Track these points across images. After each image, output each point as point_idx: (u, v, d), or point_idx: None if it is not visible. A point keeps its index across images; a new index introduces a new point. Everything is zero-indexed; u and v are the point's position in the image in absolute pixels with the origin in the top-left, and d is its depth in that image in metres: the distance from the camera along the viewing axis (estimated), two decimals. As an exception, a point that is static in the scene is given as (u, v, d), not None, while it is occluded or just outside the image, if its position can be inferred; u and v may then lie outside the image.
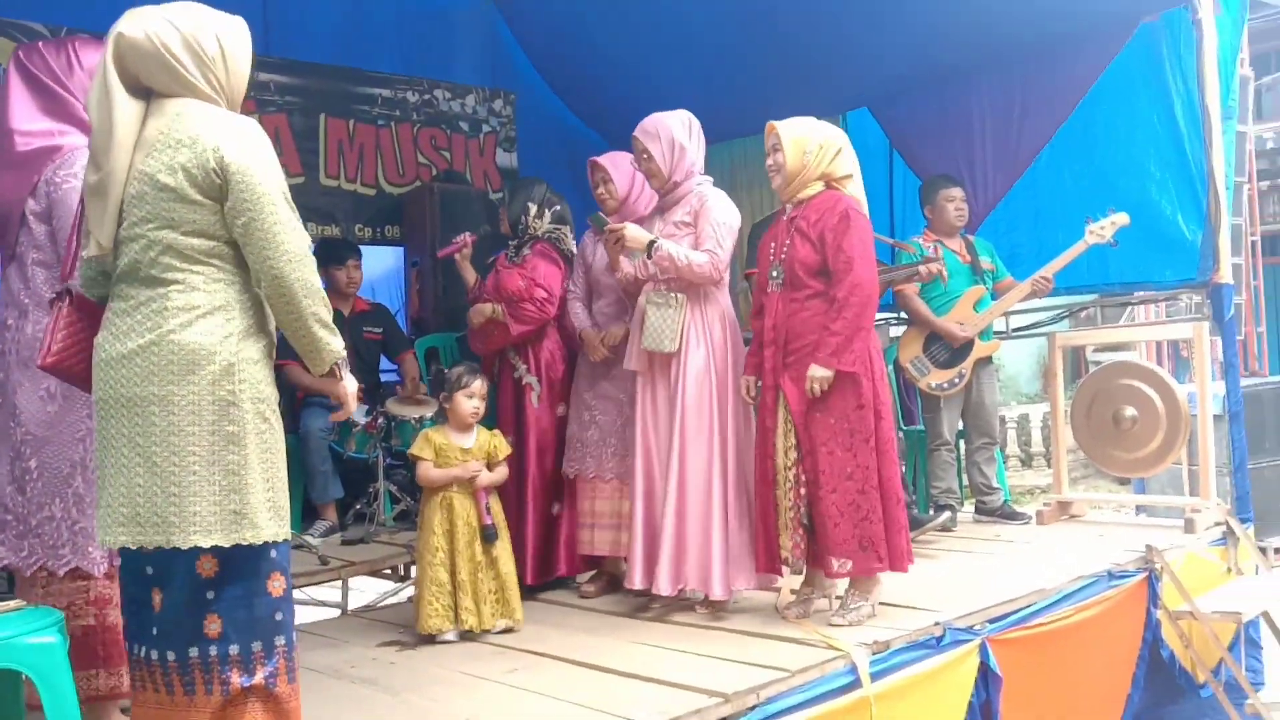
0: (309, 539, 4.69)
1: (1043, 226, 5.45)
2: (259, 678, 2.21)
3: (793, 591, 3.79)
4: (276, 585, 2.26)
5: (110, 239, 2.25)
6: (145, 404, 2.16)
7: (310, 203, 6.00)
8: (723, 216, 3.81)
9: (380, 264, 6.57)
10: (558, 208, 4.38)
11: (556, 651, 3.43)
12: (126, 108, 2.23)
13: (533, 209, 4.32)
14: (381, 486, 4.90)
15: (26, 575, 2.72)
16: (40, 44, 2.92)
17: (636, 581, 3.83)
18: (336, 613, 4.60)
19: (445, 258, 4.44)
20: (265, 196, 2.18)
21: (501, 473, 3.74)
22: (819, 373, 3.46)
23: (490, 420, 4.16)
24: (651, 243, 3.73)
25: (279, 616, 2.25)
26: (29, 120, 2.79)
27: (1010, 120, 5.54)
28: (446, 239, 4.87)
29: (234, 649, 2.19)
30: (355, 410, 2.35)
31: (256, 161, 2.20)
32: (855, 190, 3.62)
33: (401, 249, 6.48)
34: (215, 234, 2.21)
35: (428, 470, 3.64)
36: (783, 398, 3.58)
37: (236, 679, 2.18)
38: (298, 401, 5.05)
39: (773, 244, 3.67)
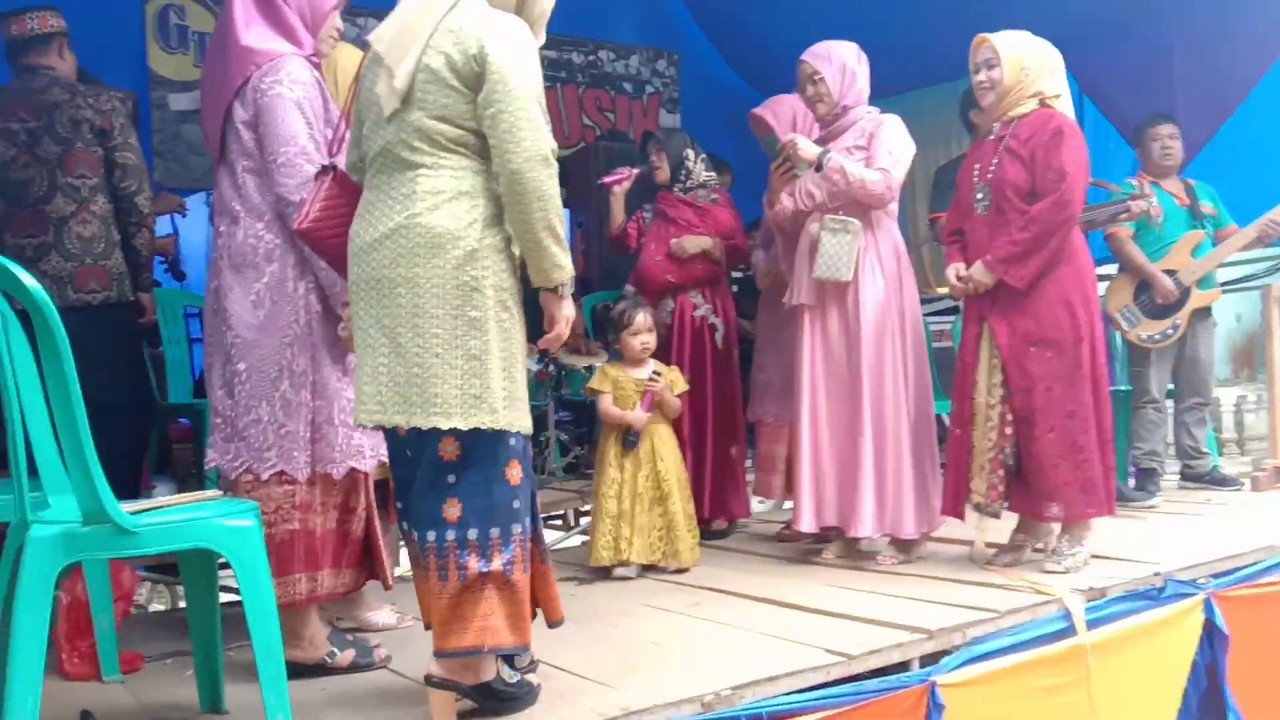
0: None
1: (1257, 170, 4.97)
2: (496, 564, 2.14)
3: (988, 544, 3.52)
4: (514, 473, 2.18)
5: (403, 89, 2.18)
6: (393, 285, 2.15)
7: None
8: (899, 138, 3.59)
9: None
10: (705, 155, 4.30)
11: (739, 589, 3.27)
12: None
13: (691, 154, 4.22)
14: (552, 435, 4.83)
15: (233, 479, 2.73)
16: None
17: (805, 523, 3.62)
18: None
19: (608, 186, 4.32)
20: (517, 91, 2.11)
21: (674, 402, 3.62)
22: (981, 274, 3.28)
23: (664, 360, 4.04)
24: (823, 154, 3.53)
25: (516, 504, 2.18)
26: (247, 26, 2.80)
27: (1217, 57, 5.09)
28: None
29: (473, 533, 2.14)
30: (562, 335, 2.24)
31: (515, 57, 2.13)
32: (1065, 109, 3.33)
33: (568, 211, 6.43)
34: (465, 122, 2.16)
35: (606, 405, 3.56)
36: (988, 332, 3.34)
37: (474, 564, 2.13)
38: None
39: (976, 165, 3.41)
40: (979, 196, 3.37)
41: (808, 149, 3.56)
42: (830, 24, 5.68)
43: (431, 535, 2.15)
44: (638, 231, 4.32)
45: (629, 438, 3.51)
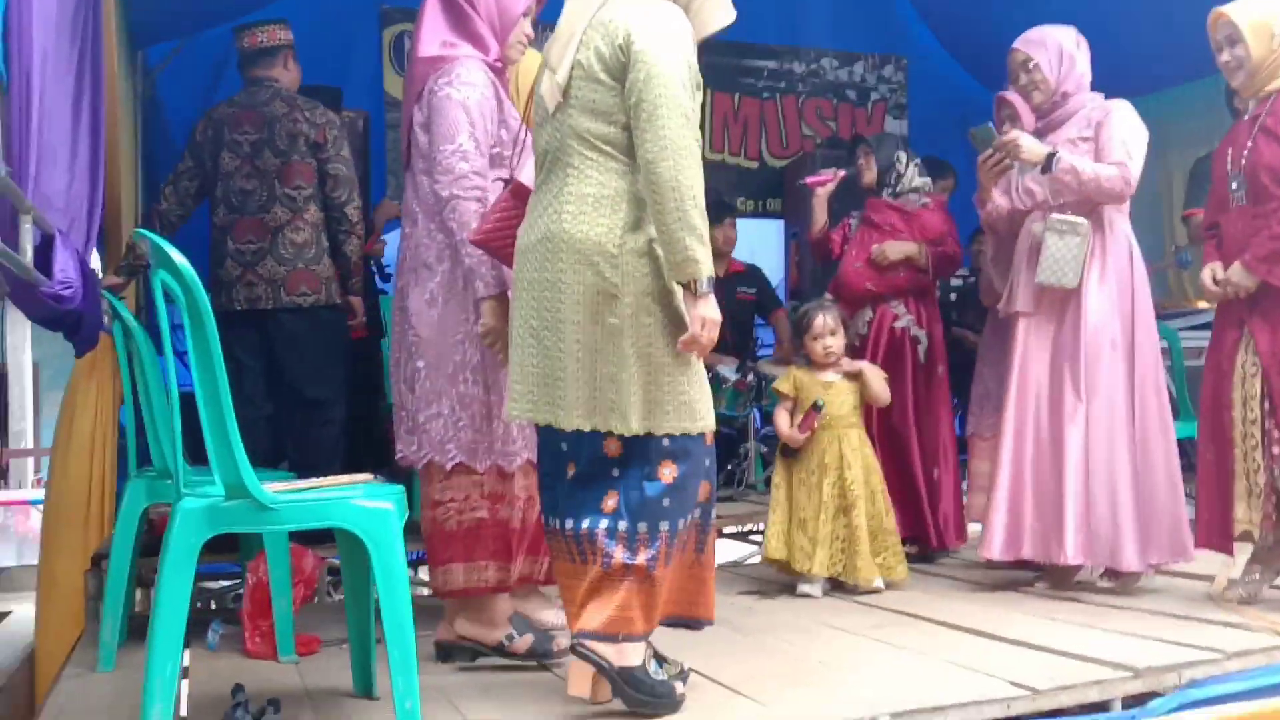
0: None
1: None
2: (641, 559, 2.13)
3: (1230, 580, 3.07)
4: (668, 473, 2.15)
5: (562, 84, 2.19)
6: (540, 289, 2.17)
7: (695, 176, 5.98)
8: (1131, 126, 3.23)
9: (762, 237, 6.42)
10: (918, 161, 4.02)
11: (928, 613, 3.02)
12: None
13: (903, 158, 3.97)
14: (753, 447, 4.69)
15: (419, 469, 2.78)
16: None
17: (994, 550, 3.28)
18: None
19: (810, 187, 4.15)
20: (660, 77, 2.03)
21: (878, 389, 3.41)
22: (1240, 277, 2.90)
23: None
24: (1051, 154, 3.20)
25: (667, 503, 2.15)
26: (432, 35, 2.87)
27: None
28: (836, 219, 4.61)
29: (623, 525, 2.14)
30: (704, 338, 2.10)
31: (661, 41, 2.07)
32: (1335, 73, 2.88)
33: (782, 222, 6.29)
34: (614, 117, 2.12)
35: (778, 413, 3.44)
36: (1248, 338, 2.95)
37: (620, 555, 2.12)
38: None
39: (1230, 150, 3.02)
40: (1234, 186, 2.98)
41: (1033, 148, 3.24)
42: (1068, 17, 5.31)
43: (586, 523, 2.16)
44: (842, 238, 4.13)
45: (786, 447, 3.37)
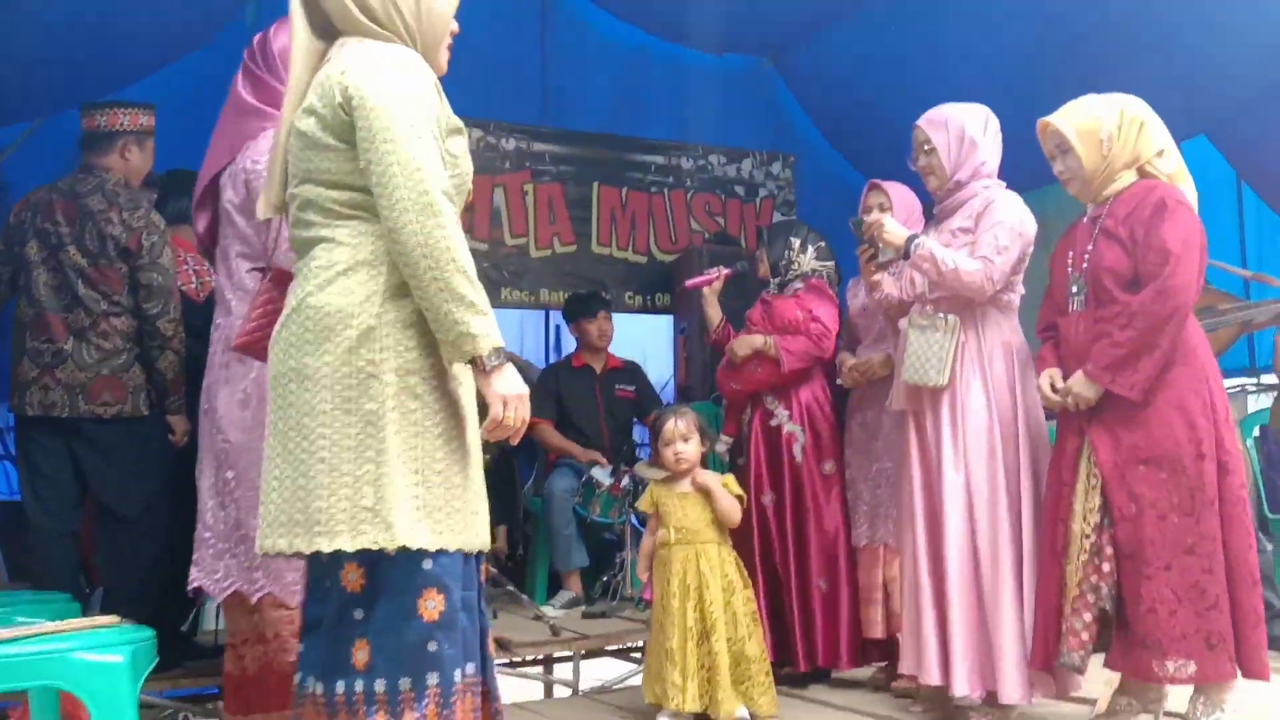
0: (549, 609, 4.26)
1: None
2: None
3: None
4: (431, 606, 1.75)
5: (276, 200, 1.96)
6: (284, 381, 1.81)
7: (581, 270, 5.80)
8: (1008, 217, 3.03)
9: (650, 333, 6.21)
10: (822, 244, 3.83)
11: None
12: (302, 49, 1.93)
13: (796, 243, 3.78)
14: (628, 557, 4.39)
15: (219, 601, 2.44)
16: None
17: (924, 672, 3.01)
18: (568, 692, 4.07)
19: (692, 289, 3.95)
20: (384, 130, 1.74)
21: (727, 506, 3.10)
22: (1081, 387, 2.68)
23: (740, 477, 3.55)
24: (911, 238, 3.04)
25: (433, 647, 1.75)
26: (237, 109, 2.62)
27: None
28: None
29: (380, 685, 1.73)
30: (510, 418, 1.78)
31: (386, 91, 1.77)
32: (1170, 166, 2.75)
33: (671, 317, 6.10)
34: (354, 183, 1.82)
35: (644, 547, 3.19)
36: (1088, 448, 2.72)
37: None
38: (548, 463, 4.70)
39: (1070, 252, 2.85)
40: (1074, 289, 2.79)
41: (894, 232, 3.07)
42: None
43: (340, 686, 1.74)
44: (727, 338, 3.90)
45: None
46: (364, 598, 1.75)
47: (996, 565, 2.92)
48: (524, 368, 5.48)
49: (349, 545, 1.72)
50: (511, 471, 5.02)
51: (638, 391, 4.81)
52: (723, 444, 3.72)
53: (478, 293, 1.77)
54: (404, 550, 1.73)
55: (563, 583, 4.45)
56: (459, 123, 1.92)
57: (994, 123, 3.20)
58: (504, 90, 5.74)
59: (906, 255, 3.04)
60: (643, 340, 6.09)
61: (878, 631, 3.48)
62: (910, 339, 3.04)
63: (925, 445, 3.09)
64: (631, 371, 4.88)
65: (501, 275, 5.66)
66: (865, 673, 3.57)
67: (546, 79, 5.92)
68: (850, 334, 3.74)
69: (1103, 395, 2.68)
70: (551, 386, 4.70)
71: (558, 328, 6.16)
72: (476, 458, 1.92)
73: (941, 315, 3.03)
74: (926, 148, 3.16)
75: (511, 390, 1.78)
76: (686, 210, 6.14)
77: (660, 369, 6.18)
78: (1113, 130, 2.71)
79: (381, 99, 1.77)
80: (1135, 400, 2.59)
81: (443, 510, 1.78)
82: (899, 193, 3.48)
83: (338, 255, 1.82)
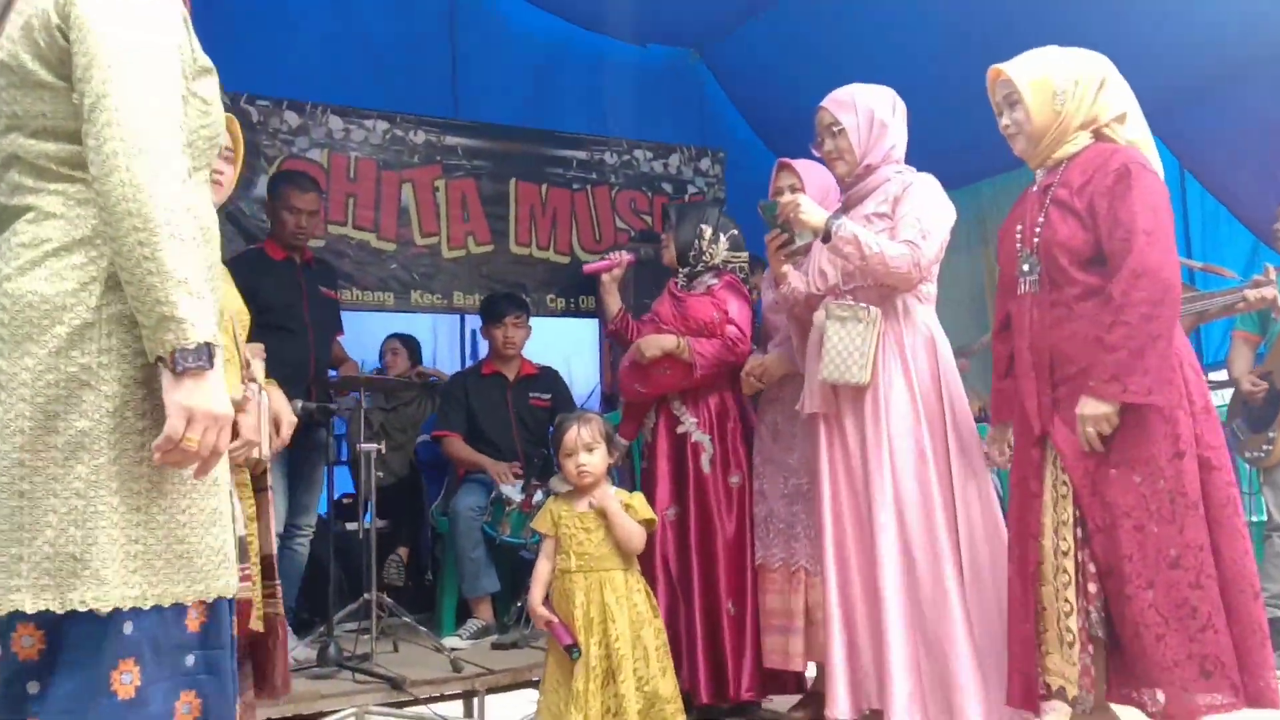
0: (456, 640, 3.82)
1: None
2: None
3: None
4: (125, 682, 1.32)
5: None
6: None
7: (499, 272, 5.39)
8: (930, 202, 2.74)
9: (575, 338, 5.81)
10: (734, 232, 3.47)
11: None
12: None
13: (707, 232, 3.40)
14: (542, 580, 3.96)
15: None
16: None
17: (839, 709, 2.68)
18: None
19: (590, 275, 3.57)
20: (107, 55, 1.33)
21: (627, 533, 2.69)
22: (1093, 408, 2.25)
23: (642, 487, 3.18)
24: (831, 219, 2.68)
25: None
26: None
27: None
28: (645, 306, 4.01)
29: None
30: (191, 443, 1.30)
31: (112, 5, 1.36)
32: (1132, 133, 2.41)
33: (596, 321, 5.70)
34: (74, 131, 1.38)
35: (536, 574, 2.78)
36: (1051, 450, 2.37)
37: None
38: (458, 479, 4.27)
39: (1019, 227, 2.50)
40: (1024, 269, 2.44)
41: (812, 212, 2.73)
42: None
43: None
44: (630, 332, 3.55)
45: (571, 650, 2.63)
46: (41, 667, 1.32)
47: (939, 580, 2.59)
48: (435, 379, 5.05)
49: (30, 604, 1.29)
50: (417, 488, 4.58)
51: (553, 400, 4.40)
52: (618, 448, 3.34)
53: (193, 269, 1.33)
54: (99, 611, 1.31)
55: (472, 610, 4.01)
56: (210, 63, 1.51)
57: (901, 106, 2.91)
58: (411, 80, 5.33)
59: (826, 238, 2.70)
60: (566, 345, 5.70)
61: (799, 664, 3.09)
62: (829, 333, 2.70)
63: (846, 452, 2.75)
64: (547, 378, 4.47)
65: (411, 277, 5.23)
66: (785, 703, 3.19)
67: (457, 69, 5.51)
68: (763, 333, 3.38)
69: (1056, 386, 2.34)
70: (459, 396, 4.27)
71: (474, 333, 5.73)
72: (224, 481, 1.49)
73: (863, 306, 2.70)
74: (835, 129, 2.84)
75: (203, 405, 1.32)
76: (611, 208, 5.75)
77: (586, 376, 5.79)
78: (1069, 86, 2.37)
79: (107, 18, 1.35)
80: (1159, 405, 2.22)
81: (165, 557, 1.36)
82: (813, 172, 3.13)
83: (48, 230, 1.38)
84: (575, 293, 5.60)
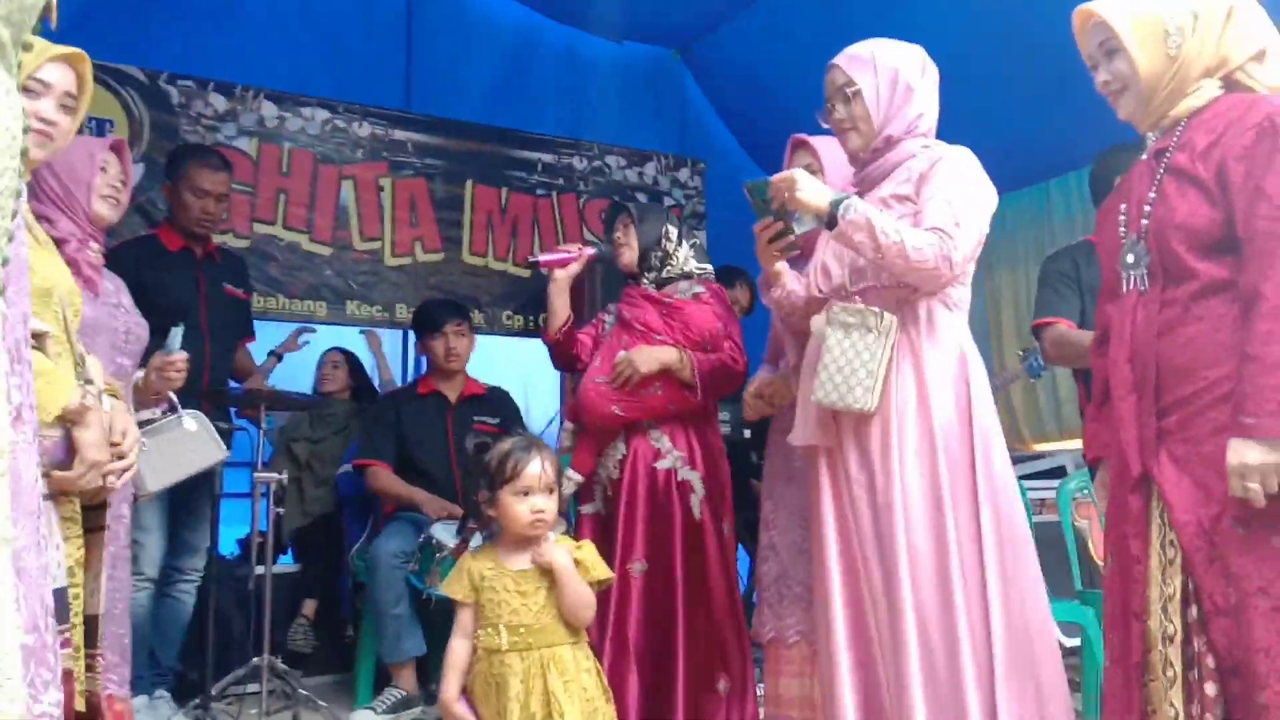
0: (368, 715, 3.09)
1: None
2: None
3: None
4: None
5: None
6: None
7: (450, 284, 4.71)
8: (965, 181, 2.11)
9: (534, 359, 5.11)
10: (697, 242, 2.90)
11: None
12: None
13: (673, 233, 2.82)
14: (479, 641, 3.24)
15: None
16: None
17: None
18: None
19: (545, 268, 2.93)
20: None
21: (577, 599, 2.01)
22: (1249, 455, 1.55)
23: (581, 534, 2.51)
24: (837, 200, 2.04)
25: None
26: None
27: None
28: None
29: None
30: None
31: None
32: (1274, 76, 1.75)
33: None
34: None
35: (451, 655, 2.05)
36: (1157, 499, 1.71)
37: None
38: (384, 516, 3.55)
39: (1123, 206, 1.83)
40: (1128, 259, 1.78)
41: (812, 191, 2.08)
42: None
43: None
44: (594, 339, 2.91)
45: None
46: None
47: (957, 688, 1.91)
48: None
49: None
50: (335, 529, 3.85)
51: (503, 424, 3.68)
52: (569, 484, 2.68)
53: None
54: None
55: (392, 677, 3.28)
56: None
57: (932, 69, 2.26)
58: (359, 67, 4.68)
59: (831, 224, 2.05)
60: (523, 368, 5.01)
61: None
62: (829, 344, 2.05)
63: (851, 491, 2.09)
64: (495, 400, 3.76)
65: (348, 286, 4.54)
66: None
67: (412, 56, 4.88)
68: (773, 346, 2.73)
69: (1165, 413, 1.69)
70: (389, 420, 3.55)
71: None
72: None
73: (875, 311, 2.05)
74: (849, 91, 2.19)
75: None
76: (579, 217, 5.10)
77: (544, 403, 5.10)
78: (1184, 20, 1.72)
79: None
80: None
81: None
82: (836, 151, 2.48)
83: None
84: (535, 309, 4.92)
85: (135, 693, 2.96)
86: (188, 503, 3.03)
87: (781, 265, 2.27)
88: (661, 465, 2.62)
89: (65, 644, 1.78)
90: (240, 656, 3.12)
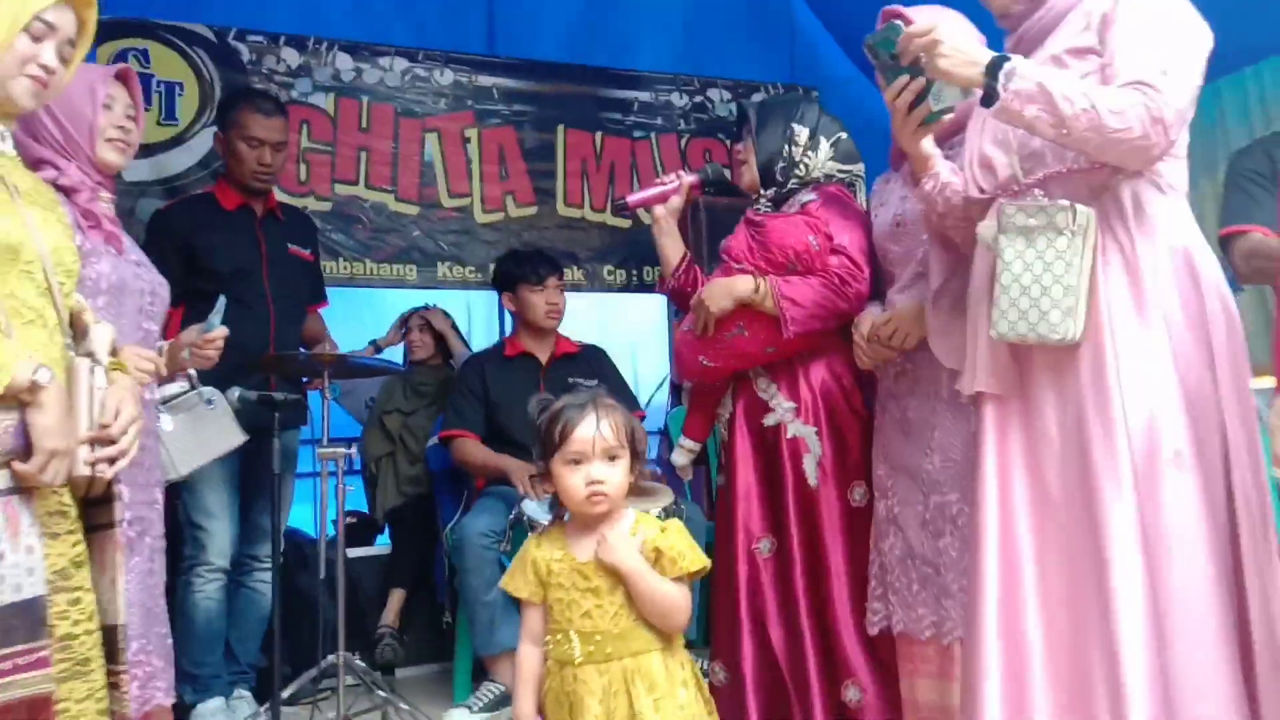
0: (464, 714, 2.76)
1: None
2: None
3: None
4: None
5: None
6: None
7: (545, 239, 4.32)
8: (1166, 11, 1.58)
9: (639, 316, 4.71)
10: (841, 135, 2.34)
11: None
12: None
13: (802, 135, 2.30)
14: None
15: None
16: None
17: None
18: None
19: (635, 209, 2.49)
20: None
21: (660, 597, 1.58)
22: None
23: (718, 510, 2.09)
24: (994, 61, 1.53)
25: None
26: None
27: None
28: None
29: None
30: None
31: None
32: None
33: (664, 296, 4.59)
34: None
35: (523, 638, 1.65)
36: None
37: None
38: (475, 491, 3.20)
39: None
40: None
41: (959, 54, 1.58)
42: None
43: None
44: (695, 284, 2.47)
45: None
46: None
47: (1189, 624, 1.43)
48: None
49: None
50: (430, 508, 3.53)
51: (601, 386, 3.28)
52: (682, 454, 2.26)
53: None
54: None
55: (488, 671, 2.93)
56: None
57: None
58: (437, 11, 4.32)
59: (989, 98, 1.54)
60: (629, 327, 4.61)
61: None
62: (1005, 256, 1.57)
63: (1036, 460, 1.59)
64: (591, 358, 3.35)
65: (438, 246, 4.21)
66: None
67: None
68: (880, 273, 2.23)
69: None
70: (474, 386, 3.19)
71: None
72: None
73: (1064, 204, 1.54)
74: None
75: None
76: (681, 159, 4.63)
77: (654, 364, 4.68)
78: None
79: None
80: None
81: None
82: (949, 25, 1.93)
83: None
84: (639, 263, 4.50)
85: (211, 694, 2.70)
86: (259, 482, 2.73)
87: (930, 144, 1.76)
88: (769, 420, 2.16)
89: (39, 664, 1.46)
90: (326, 649, 2.83)
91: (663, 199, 2.42)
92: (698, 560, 1.60)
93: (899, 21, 1.61)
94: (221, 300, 2.17)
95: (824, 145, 2.31)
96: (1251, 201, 2.38)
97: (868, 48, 1.65)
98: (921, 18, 1.83)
